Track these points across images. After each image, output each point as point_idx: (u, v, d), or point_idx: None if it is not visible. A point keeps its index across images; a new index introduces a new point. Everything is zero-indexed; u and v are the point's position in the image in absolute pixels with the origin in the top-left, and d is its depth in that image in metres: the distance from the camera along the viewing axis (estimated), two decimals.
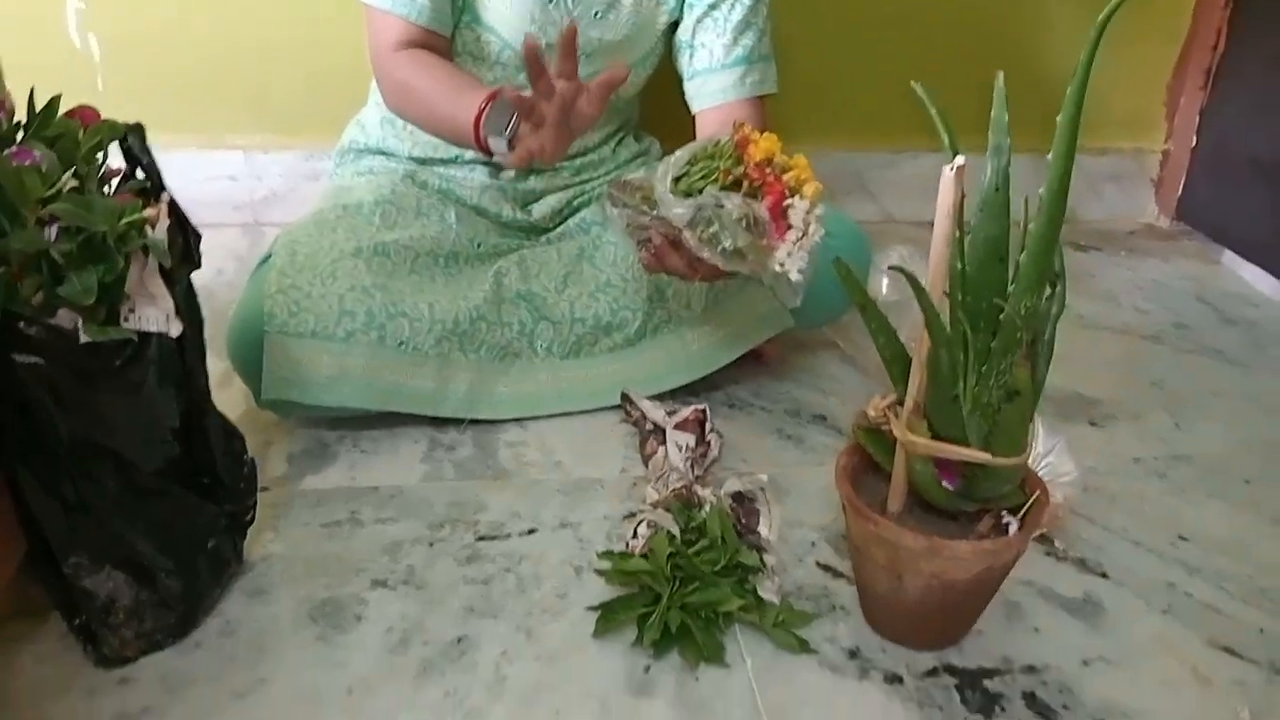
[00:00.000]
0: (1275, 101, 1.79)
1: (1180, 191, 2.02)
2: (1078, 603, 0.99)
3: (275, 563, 0.97)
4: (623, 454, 1.18)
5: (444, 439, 1.18)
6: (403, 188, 1.27)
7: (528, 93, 1.03)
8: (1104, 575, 1.04)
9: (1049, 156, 0.73)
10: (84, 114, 0.78)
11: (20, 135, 0.75)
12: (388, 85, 1.22)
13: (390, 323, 1.13)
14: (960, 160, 0.76)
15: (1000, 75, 0.78)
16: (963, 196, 0.77)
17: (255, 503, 0.95)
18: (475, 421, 1.20)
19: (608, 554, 0.97)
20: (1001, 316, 0.78)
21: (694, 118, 1.32)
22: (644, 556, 0.95)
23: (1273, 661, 0.94)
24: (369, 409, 1.14)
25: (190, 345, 0.83)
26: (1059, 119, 0.72)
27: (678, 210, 0.99)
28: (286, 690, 0.83)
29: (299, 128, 1.70)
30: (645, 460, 1.14)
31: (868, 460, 0.92)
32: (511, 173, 1.33)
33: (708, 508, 1.00)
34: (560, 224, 1.36)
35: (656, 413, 1.17)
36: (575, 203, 1.37)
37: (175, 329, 0.76)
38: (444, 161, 1.33)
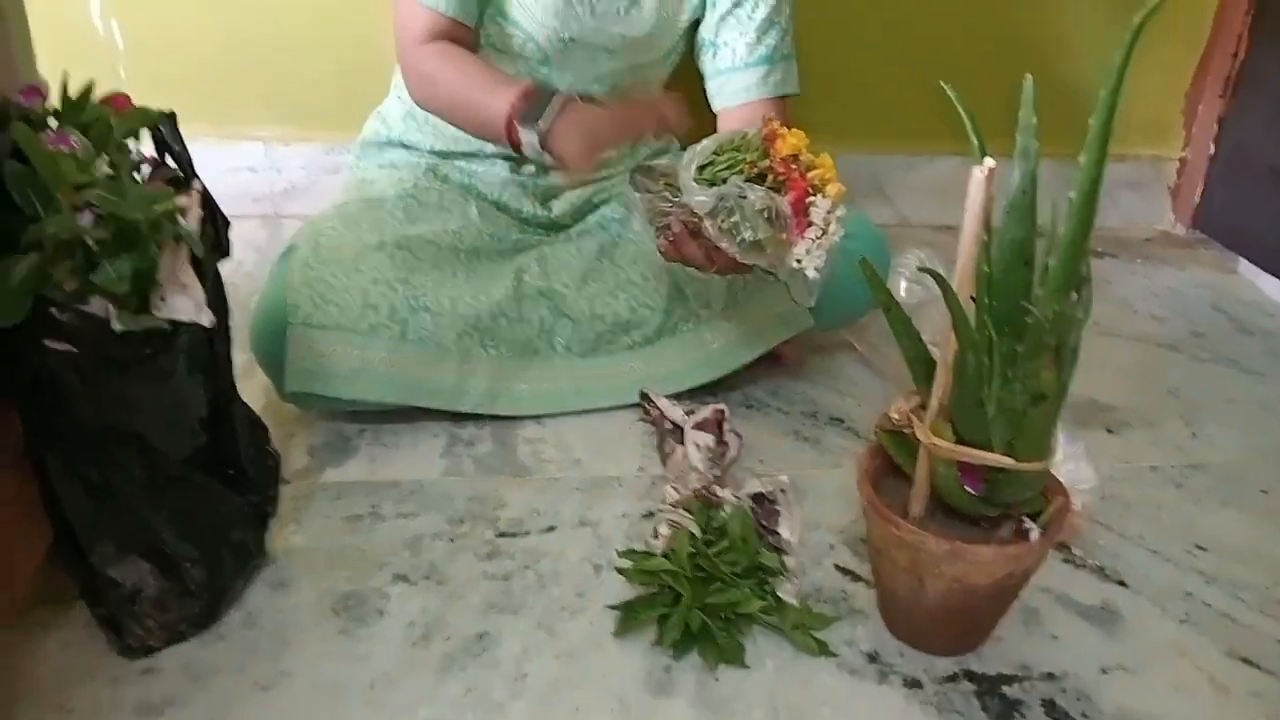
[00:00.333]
0: None
1: (1197, 199, 2.01)
2: (1096, 610, 0.99)
3: (297, 555, 0.97)
4: (640, 453, 1.18)
5: (463, 434, 1.19)
6: (425, 182, 1.28)
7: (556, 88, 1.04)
8: (1122, 583, 1.03)
9: (1078, 160, 0.73)
10: (116, 101, 0.79)
11: (54, 121, 0.75)
12: (414, 77, 1.22)
13: (412, 317, 1.13)
14: (991, 163, 0.76)
15: (1029, 78, 0.78)
16: (990, 199, 0.77)
17: (278, 494, 0.95)
18: (494, 417, 1.20)
19: (629, 552, 0.97)
20: (1029, 320, 0.78)
21: (715, 116, 1.32)
22: (665, 556, 0.95)
23: None
24: (390, 403, 1.14)
25: (219, 334, 0.83)
26: (1091, 122, 0.72)
27: (700, 198, 0.99)
28: (309, 683, 0.84)
29: (319, 120, 1.70)
30: (664, 459, 1.14)
31: (889, 463, 0.92)
32: (532, 168, 1.33)
33: (728, 508, 1.00)
34: (580, 220, 1.36)
35: (675, 412, 1.17)
36: (595, 199, 1.37)
37: (206, 318, 0.76)
38: (465, 155, 1.33)
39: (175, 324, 0.75)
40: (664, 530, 0.97)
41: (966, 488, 0.84)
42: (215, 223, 0.81)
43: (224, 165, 1.68)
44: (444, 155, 1.33)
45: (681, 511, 1.00)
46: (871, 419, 1.27)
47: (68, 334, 0.70)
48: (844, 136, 1.88)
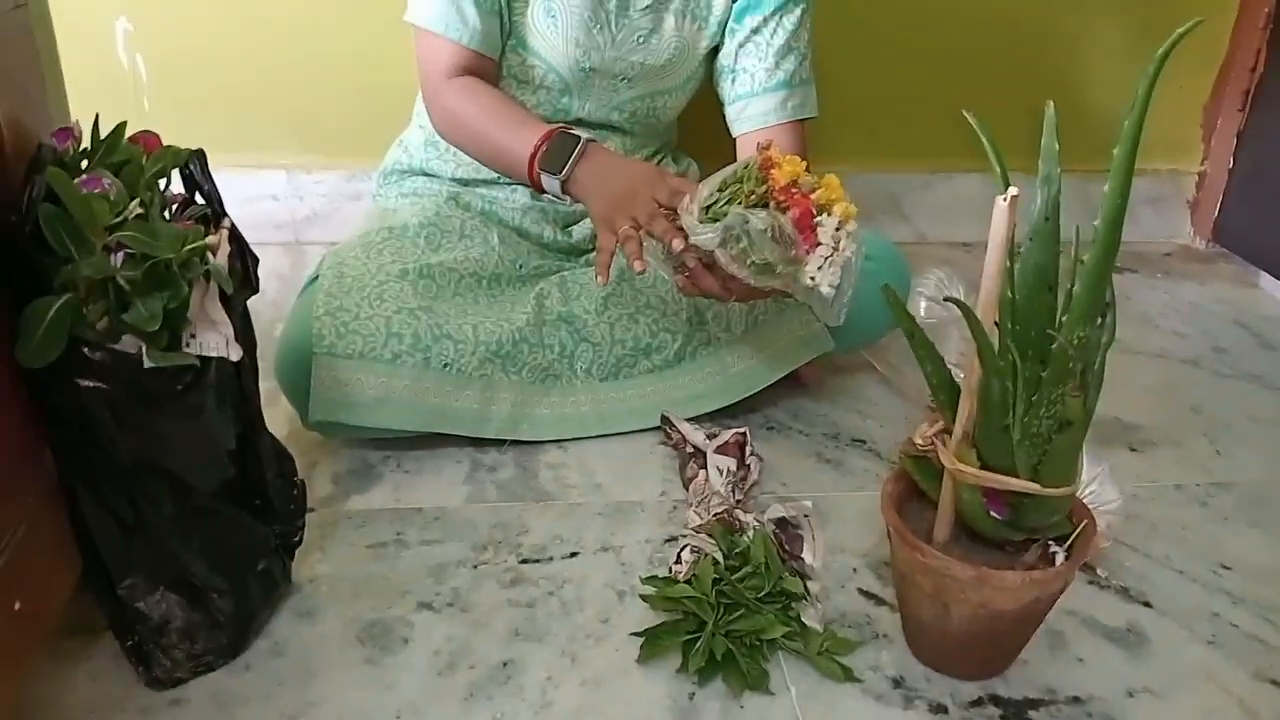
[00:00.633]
0: None
1: (1217, 214, 2.01)
2: (1121, 632, 0.99)
3: (322, 584, 0.98)
4: (662, 477, 1.19)
5: (485, 460, 1.19)
6: (446, 210, 1.29)
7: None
8: (1147, 604, 1.03)
9: (1096, 172, 0.73)
10: (147, 141, 0.80)
11: (86, 162, 0.76)
12: (438, 114, 1.24)
13: (435, 345, 1.14)
14: (1014, 191, 0.76)
15: (1050, 105, 0.79)
16: (1013, 227, 0.77)
17: (304, 524, 0.96)
18: (515, 443, 1.21)
19: (652, 579, 0.98)
20: (1054, 346, 0.78)
21: (734, 141, 1.33)
22: (688, 582, 0.95)
23: None
24: (414, 430, 1.15)
25: (246, 368, 0.84)
26: (1115, 152, 0.73)
27: (707, 235, 1.00)
28: (335, 712, 0.84)
29: (341, 148, 1.72)
30: (686, 484, 1.15)
31: (913, 487, 0.92)
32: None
33: (750, 533, 1.01)
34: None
35: (697, 435, 1.18)
36: None
37: (235, 354, 0.77)
38: (486, 183, 1.34)
39: (205, 360, 0.75)
40: (687, 556, 0.97)
41: (991, 513, 0.84)
42: (244, 259, 0.82)
43: (246, 193, 1.70)
44: (465, 183, 1.34)
45: (704, 537, 1.00)
46: (893, 440, 1.28)
47: (100, 372, 0.71)
48: (862, 154, 1.89)
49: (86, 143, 0.77)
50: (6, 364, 0.70)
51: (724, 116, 1.33)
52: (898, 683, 0.91)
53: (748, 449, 1.16)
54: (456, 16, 1.19)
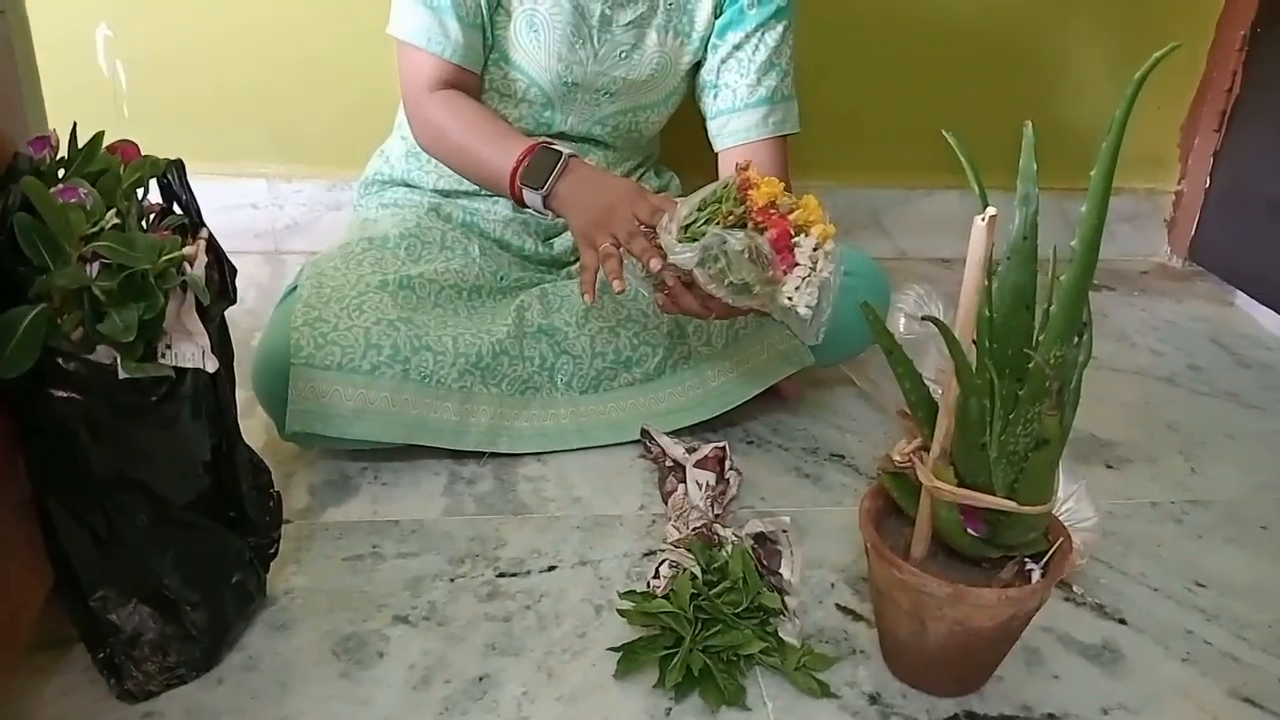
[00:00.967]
0: None
1: (1193, 232, 2.03)
2: (1097, 649, 0.99)
3: (298, 596, 0.97)
4: (641, 490, 1.18)
5: (464, 472, 1.19)
6: (427, 221, 1.28)
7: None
8: (1122, 621, 1.04)
9: (1074, 189, 0.74)
10: (125, 150, 0.79)
11: (63, 171, 0.75)
12: (420, 127, 1.23)
13: (415, 356, 1.13)
14: (992, 211, 0.76)
15: (1029, 125, 0.79)
16: (992, 247, 0.78)
17: (279, 536, 0.95)
18: (494, 455, 1.20)
19: (630, 594, 0.97)
20: (1031, 365, 0.78)
21: (716, 156, 1.33)
22: (666, 597, 0.95)
23: None
24: (392, 442, 1.14)
25: (223, 379, 0.83)
26: (1093, 174, 0.73)
27: (685, 255, 1.00)
28: None
29: (322, 157, 1.72)
30: (665, 498, 1.15)
31: (890, 503, 0.92)
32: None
33: (729, 548, 1.00)
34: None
35: (676, 450, 1.18)
36: None
37: (211, 365, 0.76)
38: (468, 194, 1.34)
39: (180, 371, 0.75)
40: (665, 570, 0.97)
41: (969, 530, 0.85)
42: (222, 270, 0.82)
43: (226, 201, 1.69)
44: (446, 194, 1.34)
45: (682, 551, 1.00)
46: (871, 454, 1.28)
47: (74, 383, 0.70)
48: (842, 170, 1.90)
49: (64, 151, 0.77)
50: None
51: (706, 132, 1.34)
52: (874, 699, 0.91)
53: (727, 463, 1.16)
54: (439, 30, 1.19)
